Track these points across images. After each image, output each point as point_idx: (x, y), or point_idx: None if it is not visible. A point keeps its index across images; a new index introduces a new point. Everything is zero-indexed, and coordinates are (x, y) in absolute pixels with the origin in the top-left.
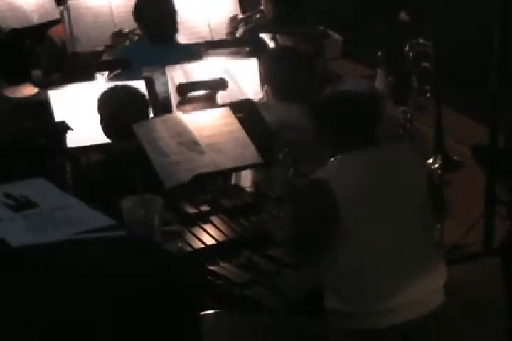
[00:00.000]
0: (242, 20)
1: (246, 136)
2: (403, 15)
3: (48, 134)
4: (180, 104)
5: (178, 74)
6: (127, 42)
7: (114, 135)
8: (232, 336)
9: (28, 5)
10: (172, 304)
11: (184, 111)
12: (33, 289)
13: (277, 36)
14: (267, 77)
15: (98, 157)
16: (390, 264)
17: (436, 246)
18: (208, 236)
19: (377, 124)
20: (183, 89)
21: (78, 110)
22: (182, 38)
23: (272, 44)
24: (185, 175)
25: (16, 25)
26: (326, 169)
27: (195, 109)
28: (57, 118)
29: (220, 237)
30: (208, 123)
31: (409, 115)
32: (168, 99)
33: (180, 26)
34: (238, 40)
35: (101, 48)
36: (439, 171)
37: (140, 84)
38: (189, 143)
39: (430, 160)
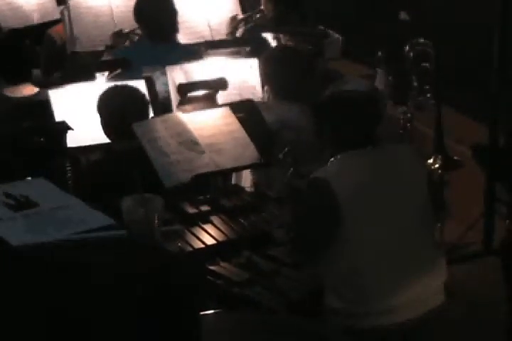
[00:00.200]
0: (242, 20)
1: (246, 136)
2: (403, 15)
3: (48, 134)
4: (180, 103)
5: (178, 74)
6: (127, 42)
7: (114, 135)
8: (232, 336)
9: (28, 5)
10: (172, 304)
11: (184, 111)
12: (32, 289)
13: (280, 36)
14: (267, 77)
15: (98, 156)
16: (390, 264)
17: (437, 246)
18: (208, 236)
19: (377, 124)
20: (183, 89)
21: (78, 110)
22: (182, 37)
23: (274, 44)
24: (185, 175)
25: (16, 24)
26: (326, 169)
27: (195, 109)
28: (57, 118)
29: (220, 237)
30: (208, 123)
31: (409, 115)
32: (168, 98)
33: (181, 26)
34: (238, 40)
35: (101, 48)
36: (439, 171)
37: (140, 84)
38: (189, 142)
39: (430, 160)
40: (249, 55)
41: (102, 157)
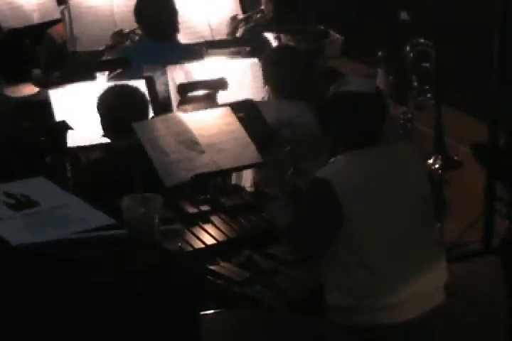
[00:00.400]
0: (242, 20)
1: (246, 135)
2: (403, 15)
3: (48, 134)
4: (180, 103)
5: (178, 74)
6: (128, 42)
7: (114, 134)
8: (232, 335)
9: (28, 4)
10: (172, 302)
11: (184, 111)
12: (32, 288)
13: (282, 35)
14: (267, 77)
15: (98, 155)
16: (391, 262)
17: (438, 245)
18: (208, 235)
19: (382, 123)
20: (184, 88)
21: (78, 110)
22: (182, 37)
23: (274, 43)
24: (185, 175)
25: (16, 24)
26: (327, 168)
27: (195, 109)
28: (58, 117)
29: (220, 237)
30: (208, 123)
31: (409, 115)
32: (168, 98)
33: (181, 26)
34: (238, 40)
35: (101, 48)
36: (439, 171)
37: (140, 84)
38: (189, 142)
39: (430, 160)
40: (249, 55)
41: (102, 156)
